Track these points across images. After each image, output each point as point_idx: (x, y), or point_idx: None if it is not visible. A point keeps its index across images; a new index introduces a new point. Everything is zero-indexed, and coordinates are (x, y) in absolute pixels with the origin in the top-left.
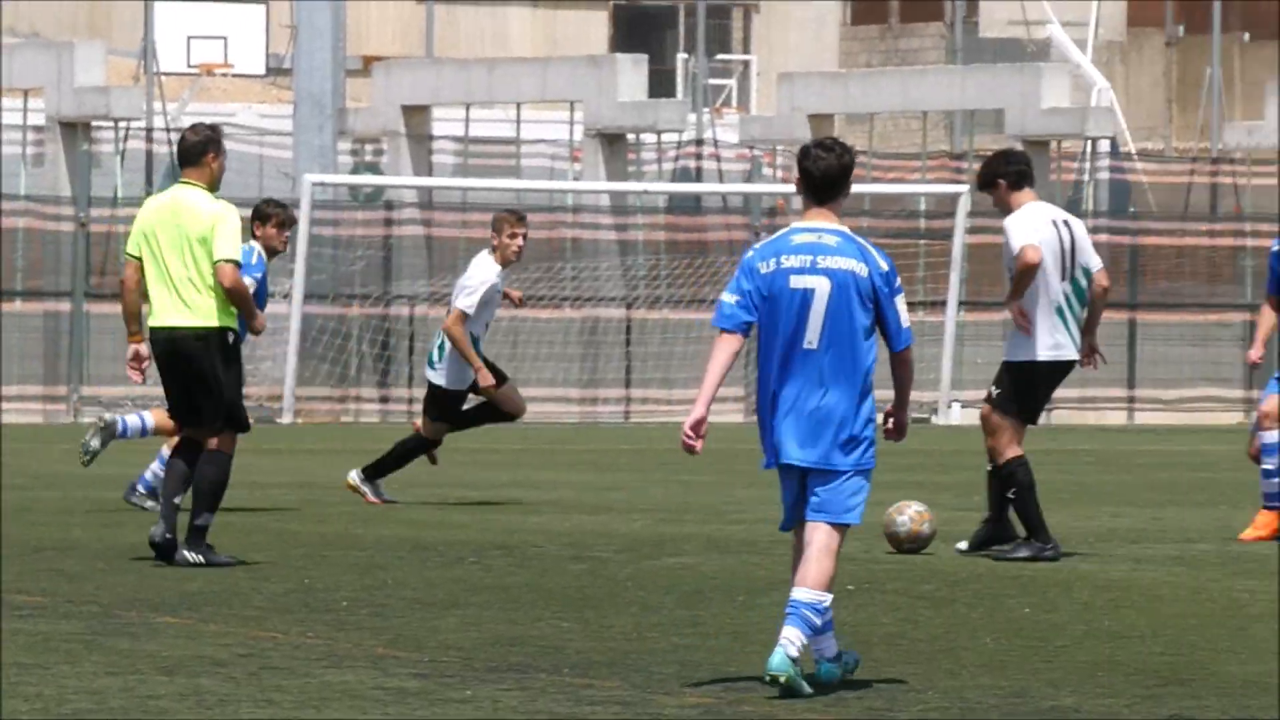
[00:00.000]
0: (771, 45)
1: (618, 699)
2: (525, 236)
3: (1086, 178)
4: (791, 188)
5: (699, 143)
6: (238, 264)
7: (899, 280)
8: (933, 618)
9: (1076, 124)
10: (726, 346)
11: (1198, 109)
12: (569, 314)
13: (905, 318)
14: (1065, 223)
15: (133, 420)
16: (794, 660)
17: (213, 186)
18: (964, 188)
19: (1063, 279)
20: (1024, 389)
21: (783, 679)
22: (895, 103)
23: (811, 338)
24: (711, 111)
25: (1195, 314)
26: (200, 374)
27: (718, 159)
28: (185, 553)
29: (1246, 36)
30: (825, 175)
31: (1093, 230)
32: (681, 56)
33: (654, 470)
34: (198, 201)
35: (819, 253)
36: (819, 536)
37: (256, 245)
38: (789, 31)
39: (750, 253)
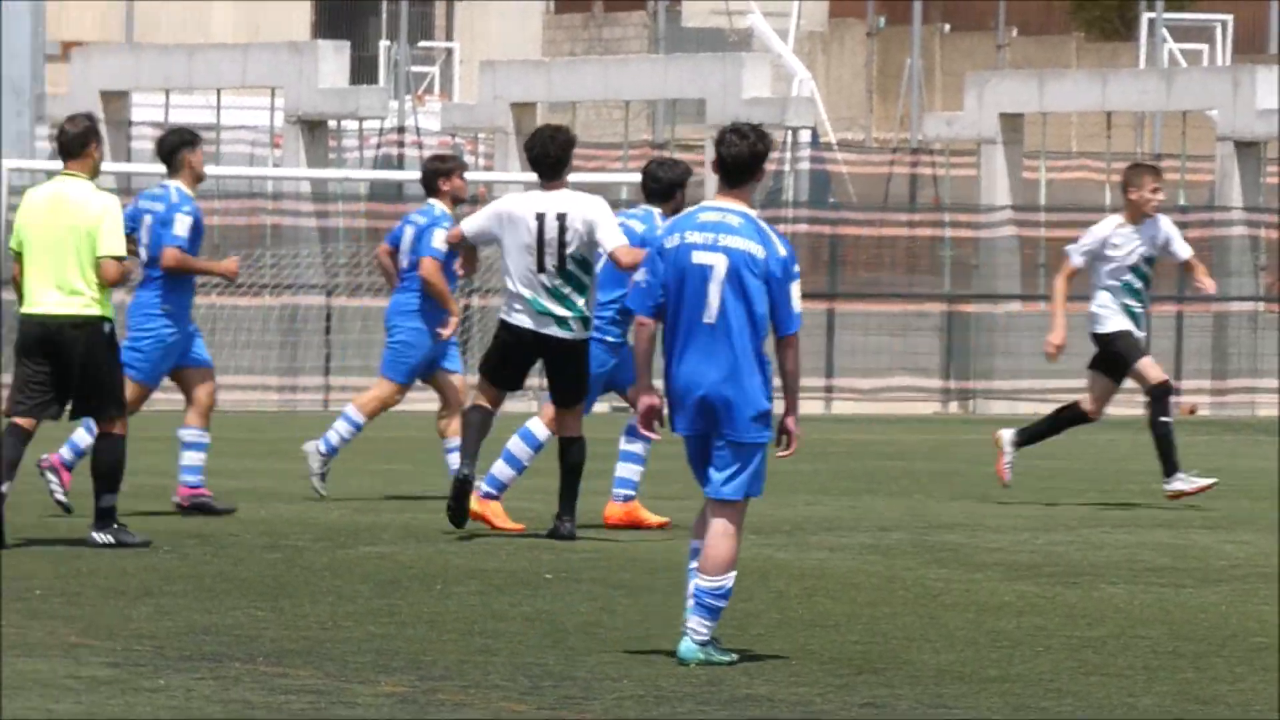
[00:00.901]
0: (474, 33)
1: (312, 688)
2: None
3: (787, 168)
4: (494, 175)
5: (401, 130)
6: (121, 259)
7: (796, 268)
8: (630, 606)
9: (777, 114)
10: (645, 330)
11: (898, 100)
12: (268, 301)
13: (797, 305)
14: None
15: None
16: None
17: (93, 177)
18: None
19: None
20: None
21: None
22: (598, 91)
23: (710, 313)
24: (413, 99)
25: (894, 304)
26: (84, 363)
27: (420, 146)
28: (95, 534)
29: (947, 28)
30: (735, 160)
31: (793, 220)
32: (384, 43)
33: (352, 459)
34: (83, 194)
35: (721, 231)
36: (718, 522)
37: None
38: (491, 19)
39: (662, 230)
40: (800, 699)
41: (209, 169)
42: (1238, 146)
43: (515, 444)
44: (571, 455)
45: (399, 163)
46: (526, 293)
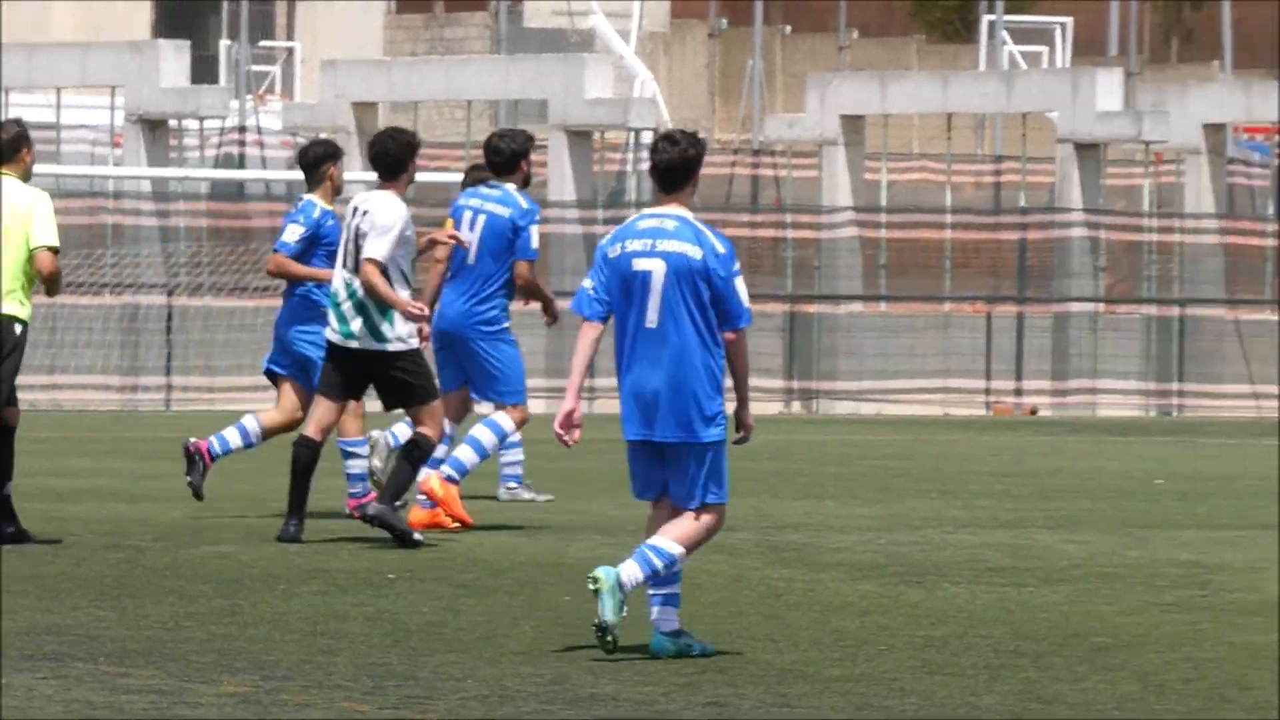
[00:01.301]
0: (315, 32)
1: (154, 688)
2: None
3: (630, 169)
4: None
5: (242, 129)
6: (56, 250)
7: (737, 264)
8: (474, 606)
9: (619, 115)
10: (588, 334)
11: (740, 101)
12: (109, 300)
13: (744, 300)
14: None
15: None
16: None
17: (25, 178)
18: None
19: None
20: None
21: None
22: (439, 91)
23: (652, 318)
24: (254, 98)
25: None
26: (10, 357)
27: (261, 146)
28: None
29: (789, 29)
30: (668, 167)
31: None
32: (224, 43)
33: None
34: (16, 190)
35: (658, 237)
36: (688, 519)
37: None
38: (333, 19)
39: (608, 238)
40: (645, 698)
41: (50, 167)
42: (1077, 148)
43: (480, 431)
44: (410, 452)
45: (240, 162)
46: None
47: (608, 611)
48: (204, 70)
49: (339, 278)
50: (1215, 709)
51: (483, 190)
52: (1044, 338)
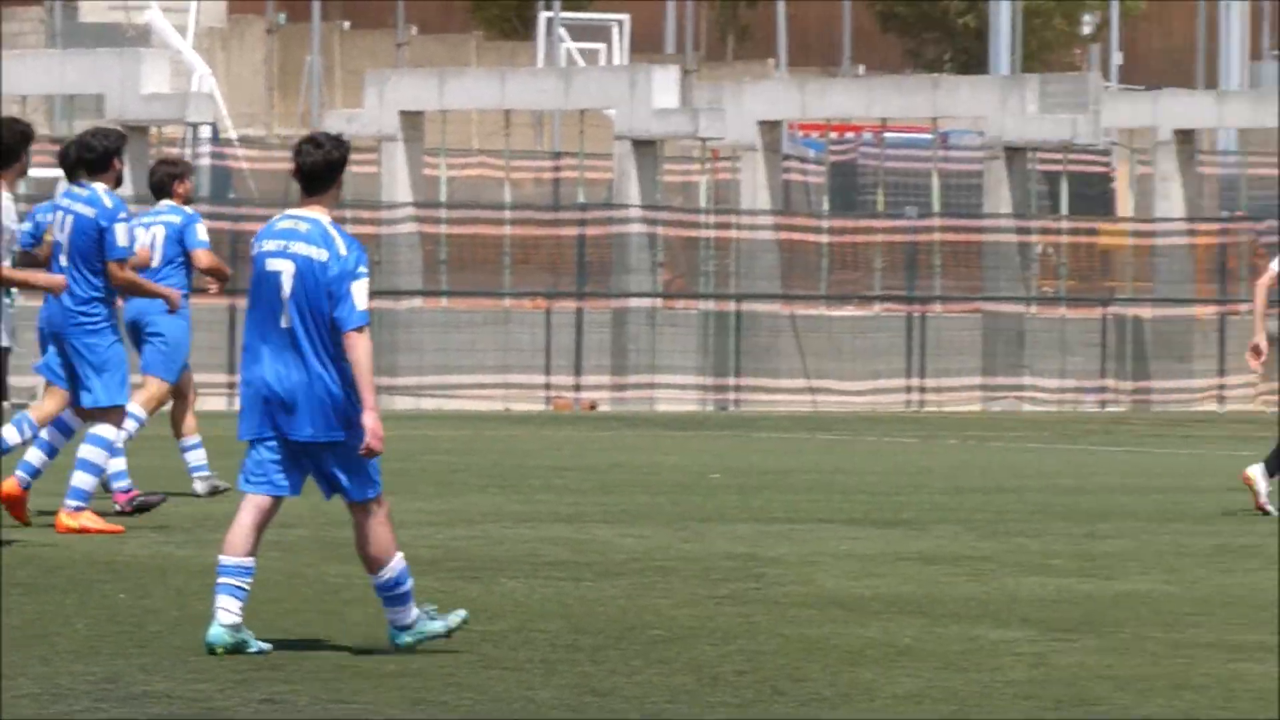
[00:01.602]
0: None
1: None
2: None
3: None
4: None
5: None
6: None
7: (362, 267)
8: (26, 604)
9: (177, 110)
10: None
11: (299, 96)
12: None
13: (360, 303)
14: None
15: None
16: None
17: None
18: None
19: None
20: None
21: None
22: None
23: (284, 317)
24: None
25: None
26: None
27: None
28: None
29: (347, 25)
30: (312, 169)
31: None
32: None
33: None
34: None
35: (292, 238)
36: (364, 521)
37: None
38: None
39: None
40: (199, 695)
41: None
42: (635, 145)
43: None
44: None
45: None
46: None
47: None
48: None
49: None
50: (768, 700)
51: (73, 190)
52: (603, 333)
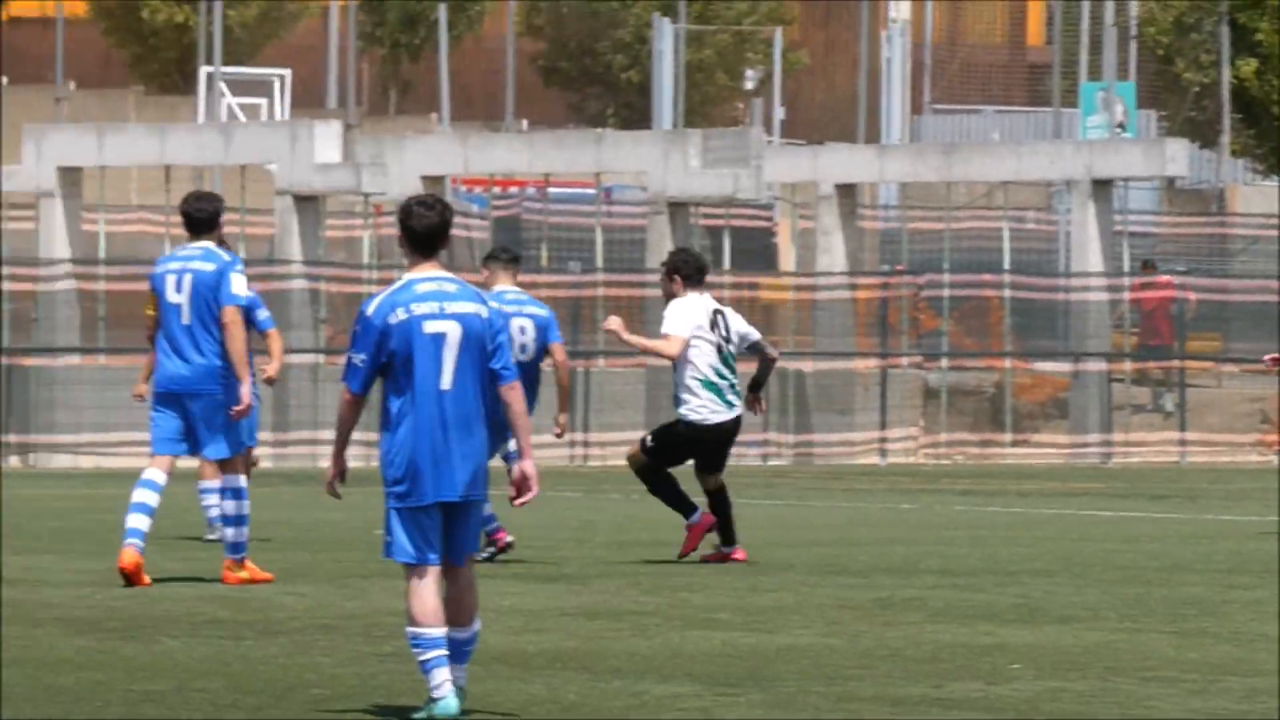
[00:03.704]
0: None
1: None
2: None
3: None
4: None
5: None
6: None
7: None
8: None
9: None
10: (353, 406)
11: None
12: None
13: (509, 354)
14: None
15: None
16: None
17: None
18: None
19: None
20: None
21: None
22: None
23: (446, 380)
24: None
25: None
26: None
27: None
28: None
29: (4, 80)
30: (428, 231)
31: None
32: None
33: None
34: None
35: (444, 299)
36: (465, 574)
37: None
38: None
39: (370, 308)
40: None
41: None
42: (297, 200)
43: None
44: None
45: None
46: None
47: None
48: None
49: None
50: None
51: (185, 249)
52: (263, 389)
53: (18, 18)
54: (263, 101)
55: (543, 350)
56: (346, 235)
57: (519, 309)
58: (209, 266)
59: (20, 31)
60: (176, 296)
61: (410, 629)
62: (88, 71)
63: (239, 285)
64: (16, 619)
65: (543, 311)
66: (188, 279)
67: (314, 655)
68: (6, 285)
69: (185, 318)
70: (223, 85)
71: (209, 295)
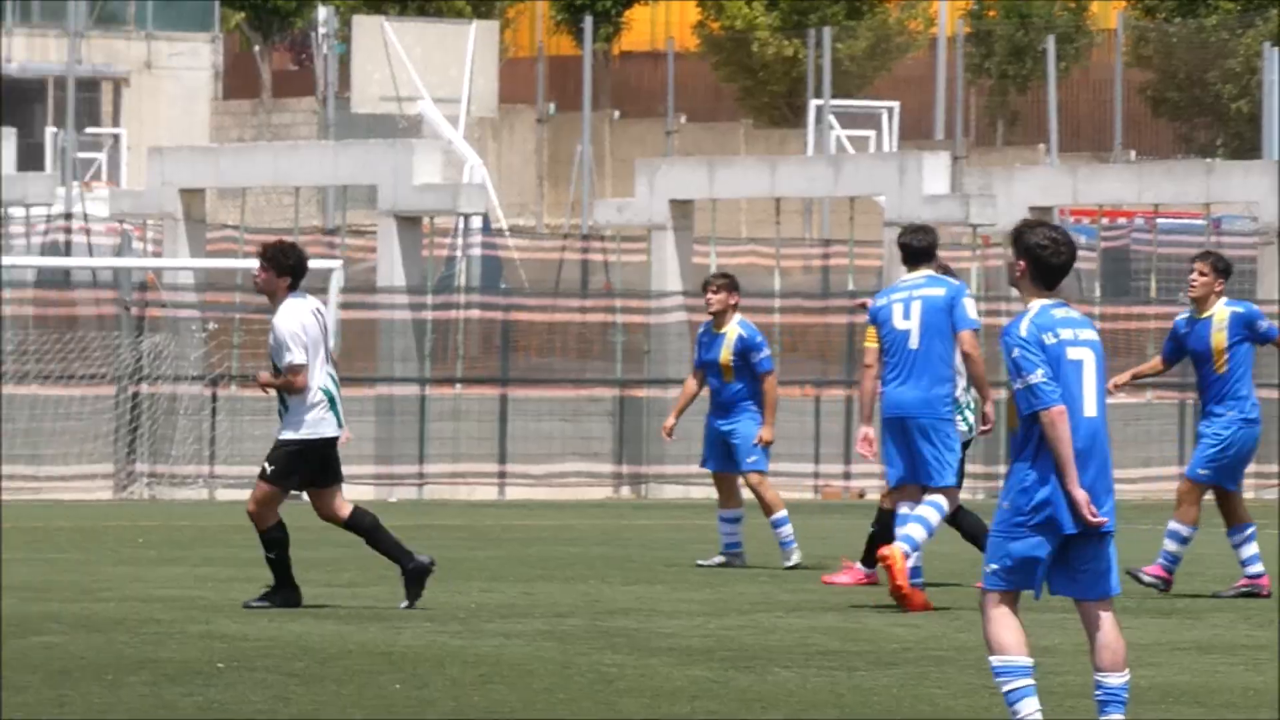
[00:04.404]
0: (142, 118)
1: None
2: None
3: (459, 254)
4: (164, 262)
5: (68, 216)
6: None
7: None
8: (303, 695)
9: (449, 200)
10: (1065, 418)
11: (569, 185)
12: None
13: None
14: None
15: None
16: None
17: None
18: (337, 263)
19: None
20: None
21: None
22: (267, 177)
23: (1090, 406)
24: (81, 185)
25: (566, 389)
26: None
27: (88, 233)
28: None
29: (617, 114)
30: (1063, 267)
31: (464, 306)
32: (50, 130)
33: (20, 548)
34: None
35: (1076, 326)
36: (1108, 617)
37: None
38: (160, 105)
39: (1024, 330)
40: None
41: None
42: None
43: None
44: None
45: (66, 249)
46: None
47: None
48: (30, 157)
49: (324, 373)
50: None
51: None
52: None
53: (628, 52)
54: (871, 134)
55: None
56: (954, 266)
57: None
58: (938, 292)
59: (631, 66)
60: (905, 323)
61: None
62: (698, 105)
63: (971, 310)
64: (630, 648)
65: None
66: (916, 305)
67: (927, 687)
68: (620, 317)
69: (914, 343)
70: (831, 118)
71: (939, 320)
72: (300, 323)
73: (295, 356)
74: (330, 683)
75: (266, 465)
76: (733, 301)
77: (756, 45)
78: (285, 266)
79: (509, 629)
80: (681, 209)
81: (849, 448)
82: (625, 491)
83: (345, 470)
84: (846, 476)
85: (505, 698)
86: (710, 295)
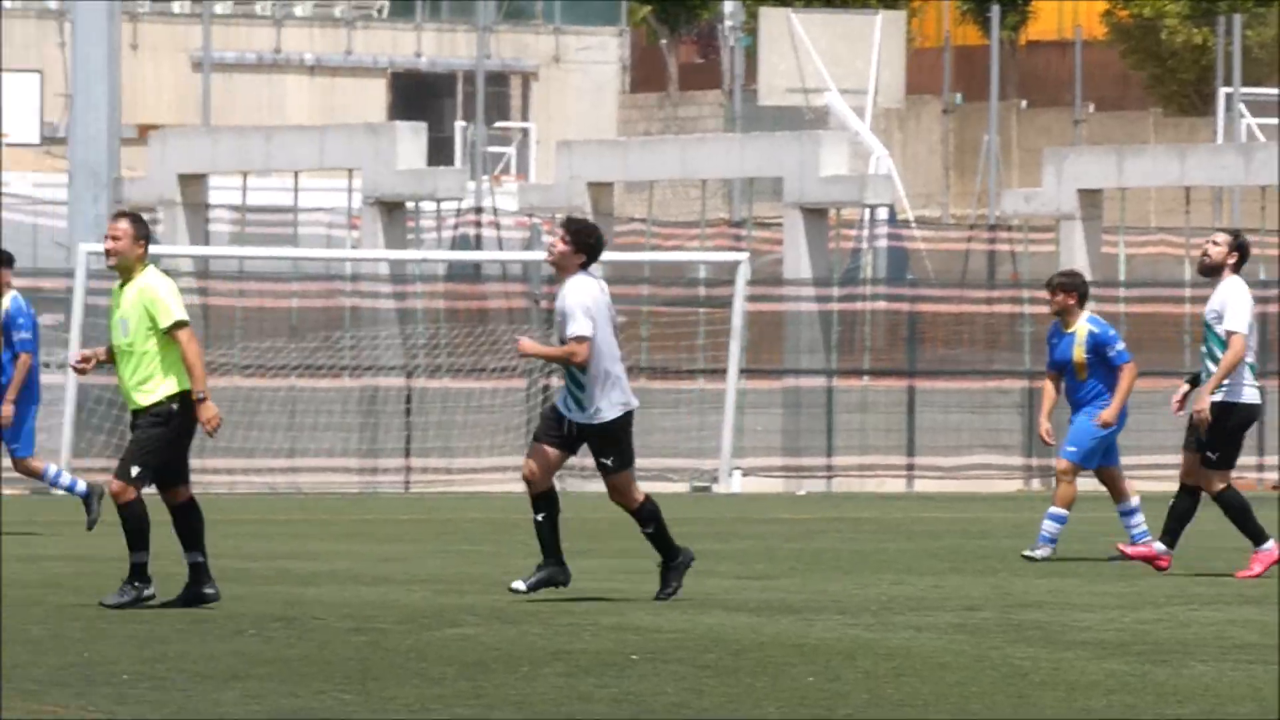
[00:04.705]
0: (550, 113)
1: None
2: None
3: (865, 245)
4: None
5: (478, 210)
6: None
7: None
8: (716, 687)
9: (855, 192)
10: None
11: (975, 176)
12: (348, 383)
13: None
14: None
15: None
16: None
17: None
18: (743, 255)
19: None
20: None
21: None
22: (674, 170)
23: None
24: (490, 179)
25: (974, 381)
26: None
27: (497, 226)
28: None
29: (1024, 104)
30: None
31: (870, 298)
32: (460, 124)
33: (433, 540)
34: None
35: None
36: None
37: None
38: (568, 99)
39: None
40: None
41: (287, 250)
42: None
43: None
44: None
45: (476, 243)
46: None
47: None
48: (440, 152)
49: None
50: None
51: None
52: None
53: (1035, 41)
54: None
55: None
56: None
57: None
58: None
59: (1038, 55)
60: None
61: None
62: (1106, 93)
63: None
64: (1043, 641)
65: None
66: None
67: None
68: (1028, 308)
69: None
70: (1241, 106)
71: None
72: (591, 296)
73: (581, 328)
74: (743, 675)
75: (610, 460)
76: (1071, 301)
77: (1165, 33)
78: (585, 244)
79: (920, 622)
80: (1090, 198)
81: (1262, 439)
82: (1035, 484)
83: (751, 462)
84: (1259, 469)
85: (918, 690)
86: (1051, 296)
